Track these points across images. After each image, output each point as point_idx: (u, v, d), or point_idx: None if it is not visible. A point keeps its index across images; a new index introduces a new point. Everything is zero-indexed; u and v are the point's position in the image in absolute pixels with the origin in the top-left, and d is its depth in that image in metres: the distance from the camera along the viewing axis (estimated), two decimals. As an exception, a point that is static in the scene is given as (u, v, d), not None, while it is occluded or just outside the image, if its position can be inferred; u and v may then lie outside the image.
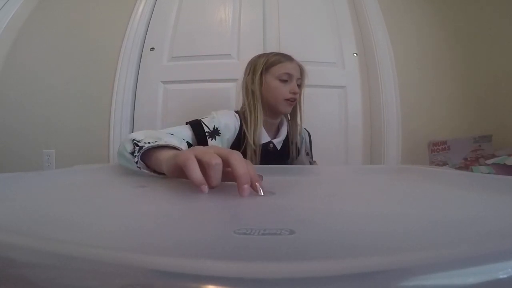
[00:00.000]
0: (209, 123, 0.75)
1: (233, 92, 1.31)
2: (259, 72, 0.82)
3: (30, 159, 1.40)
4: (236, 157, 0.33)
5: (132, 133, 0.53)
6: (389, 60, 1.35)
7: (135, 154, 0.46)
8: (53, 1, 1.49)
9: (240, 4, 1.41)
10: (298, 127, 0.92)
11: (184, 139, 0.70)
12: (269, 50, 0.92)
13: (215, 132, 0.75)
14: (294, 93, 0.81)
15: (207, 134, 0.74)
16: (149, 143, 0.46)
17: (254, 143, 0.77)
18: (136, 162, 0.46)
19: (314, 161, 0.98)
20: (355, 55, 1.41)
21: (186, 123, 0.75)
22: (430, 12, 1.40)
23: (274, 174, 0.50)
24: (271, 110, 0.84)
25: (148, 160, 0.46)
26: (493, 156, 1.17)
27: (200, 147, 0.37)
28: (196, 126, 0.74)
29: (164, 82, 1.38)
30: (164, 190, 0.33)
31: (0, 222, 0.23)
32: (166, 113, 1.37)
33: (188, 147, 0.71)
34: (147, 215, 0.26)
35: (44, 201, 0.31)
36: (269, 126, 0.86)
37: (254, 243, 0.18)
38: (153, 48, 1.40)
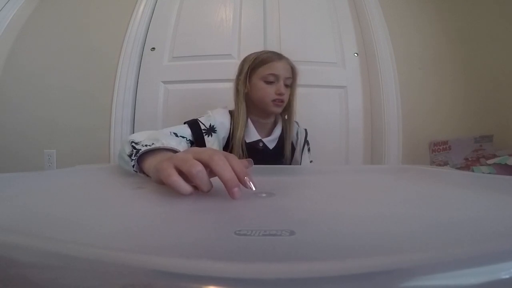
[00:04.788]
0: (205, 121, 0.78)
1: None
2: (244, 73, 0.82)
3: (31, 159, 1.40)
4: (217, 162, 0.31)
5: (133, 134, 0.53)
6: (390, 60, 1.35)
7: (132, 158, 0.46)
8: (53, 1, 1.49)
9: (240, 4, 1.41)
10: (295, 127, 0.91)
11: (186, 138, 0.72)
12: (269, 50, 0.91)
13: (211, 130, 0.77)
14: (280, 94, 0.79)
15: (203, 131, 0.76)
16: (146, 145, 0.46)
17: (235, 141, 0.78)
18: (133, 166, 0.46)
19: (311, 161, 0.98)
20: (355, 55, 1.41)
21: (184, 123, 0.77)
22: (431, 12, 1.40)
23: (273, 175, 0.50)
24: (261, 111, 0.83)
25: (143, 163, 0.45)
26: (494, 156, 1.17)
27: (179, 155, 0.35)
28: (194, 124, 0.76)
29: (165, 82, 1.38)
30: (164, 191, 0.33)
31: (1, 222, 0.23)
32: (166, 113, 1.37)
33: (191, 145, 0.73)
34: (147, 216, 0.26)
35: (45, 201, 0.31)
36: (261, 126, 0.85)
37: (254, 244, 0.18)
38: (153, 48, 1.40)
